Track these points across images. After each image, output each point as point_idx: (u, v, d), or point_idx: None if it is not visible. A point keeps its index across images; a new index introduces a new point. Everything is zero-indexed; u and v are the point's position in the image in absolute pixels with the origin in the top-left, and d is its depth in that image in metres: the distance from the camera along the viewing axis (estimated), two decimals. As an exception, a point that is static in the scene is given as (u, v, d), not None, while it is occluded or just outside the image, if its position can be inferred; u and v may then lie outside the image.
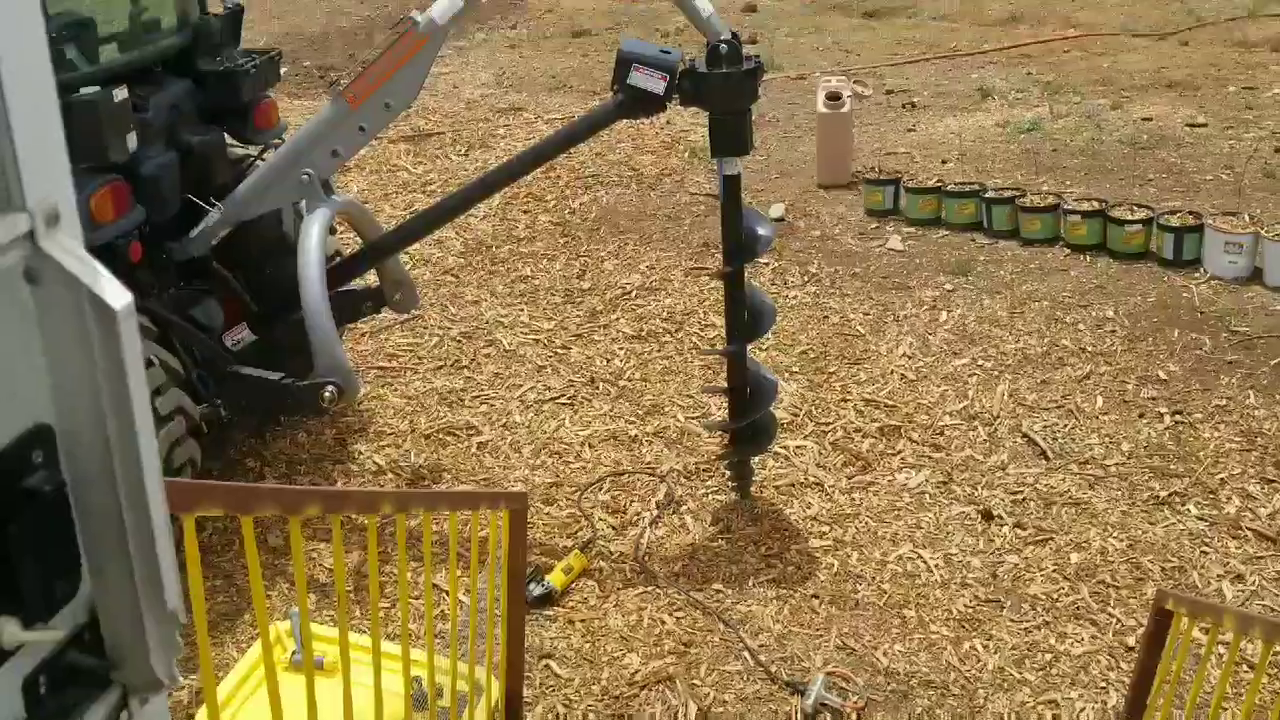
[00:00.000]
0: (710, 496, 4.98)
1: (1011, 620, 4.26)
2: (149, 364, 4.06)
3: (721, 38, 4.12)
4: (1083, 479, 4.98)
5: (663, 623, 4.30)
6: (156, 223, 4.52)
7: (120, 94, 4.08)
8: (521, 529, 3.51)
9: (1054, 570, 4.48)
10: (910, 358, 5.97)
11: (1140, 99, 9.66)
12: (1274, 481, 4.90)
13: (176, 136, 4.64)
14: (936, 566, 4.52)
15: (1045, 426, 5.34)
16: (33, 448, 0.95)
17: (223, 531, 4.73)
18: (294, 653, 3.29)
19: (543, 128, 9.45)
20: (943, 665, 4.08)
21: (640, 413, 5.59)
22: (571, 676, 4.08)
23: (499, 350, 6.20)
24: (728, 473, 4.98)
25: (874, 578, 4.49)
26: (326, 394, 4.49)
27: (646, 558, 4.63)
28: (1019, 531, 4.69)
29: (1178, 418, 5.36)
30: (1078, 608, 4.30)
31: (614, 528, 4.82)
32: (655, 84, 4.18)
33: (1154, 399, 5.50)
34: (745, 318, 4.57)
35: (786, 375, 5.78)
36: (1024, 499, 4.88)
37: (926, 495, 4.93)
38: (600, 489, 5.06)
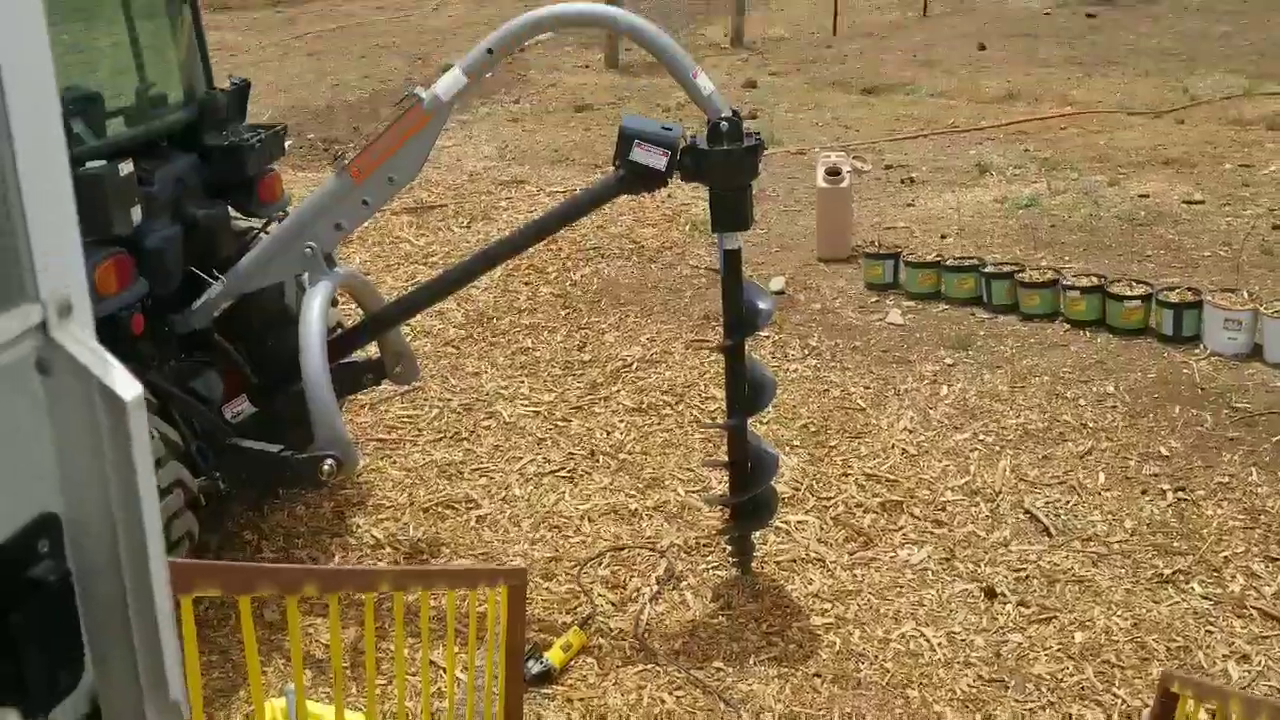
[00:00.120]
0: (711, 572, 4.94)
1: (1016, 701, 4.20)
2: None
3: (722, 115, 4.16)
4: (1086, 556, 4.94)
5: (662, 701, 4.24)
6: (159, 295, 4.54)
7: (126, 168, 4.12)
8: (520, 605, 3.48)
9: (1058, 649, 4.43)
10: (911, 432, 5.95)
11: (1137, 176, 9.75)
12: (1278, 560, 4.86)
13: (181, 210, 4.68)
14: (939, 645, 4.48)
15: (1047, 503, 5.31)
16: (39, 537, 0.94)
17: (219, 606, 4.67)
18: (289, 731, 3.24)
19: (545, 200, 9.54)
20: (947, 747, 4.02)
21: (640, 486, 5.56)
22: (570, 756, 4.02)
23: (499, 422, 6.19)
24: (728, 548, 4.94)
25: (876, 656, 4.43)
26: (326, 467, 4.48)
27: (646, 635, 4.58)
28: (1022, 609, 4.65)
29: (1180, 495, 5.33)
30: (1083, 688, 4.25)
31: (614, 604, 4.77)
32: (657, 160, 4.22)
33: (1156, 475, 5.48)
34: (746, 391, 4.56)
35: (787, 449, 5.76)
36: (1027, 576, 4.84)
37: (929, 572, 4.89)
38: (600, 564, 5.02)
